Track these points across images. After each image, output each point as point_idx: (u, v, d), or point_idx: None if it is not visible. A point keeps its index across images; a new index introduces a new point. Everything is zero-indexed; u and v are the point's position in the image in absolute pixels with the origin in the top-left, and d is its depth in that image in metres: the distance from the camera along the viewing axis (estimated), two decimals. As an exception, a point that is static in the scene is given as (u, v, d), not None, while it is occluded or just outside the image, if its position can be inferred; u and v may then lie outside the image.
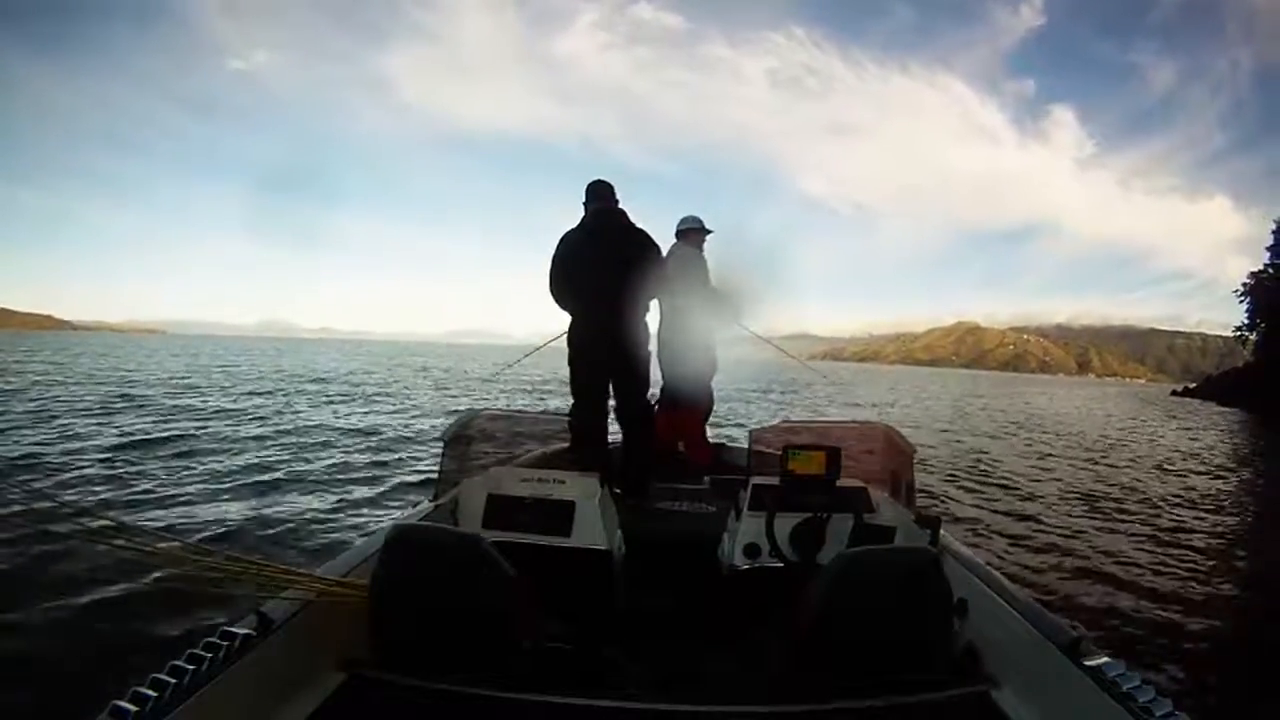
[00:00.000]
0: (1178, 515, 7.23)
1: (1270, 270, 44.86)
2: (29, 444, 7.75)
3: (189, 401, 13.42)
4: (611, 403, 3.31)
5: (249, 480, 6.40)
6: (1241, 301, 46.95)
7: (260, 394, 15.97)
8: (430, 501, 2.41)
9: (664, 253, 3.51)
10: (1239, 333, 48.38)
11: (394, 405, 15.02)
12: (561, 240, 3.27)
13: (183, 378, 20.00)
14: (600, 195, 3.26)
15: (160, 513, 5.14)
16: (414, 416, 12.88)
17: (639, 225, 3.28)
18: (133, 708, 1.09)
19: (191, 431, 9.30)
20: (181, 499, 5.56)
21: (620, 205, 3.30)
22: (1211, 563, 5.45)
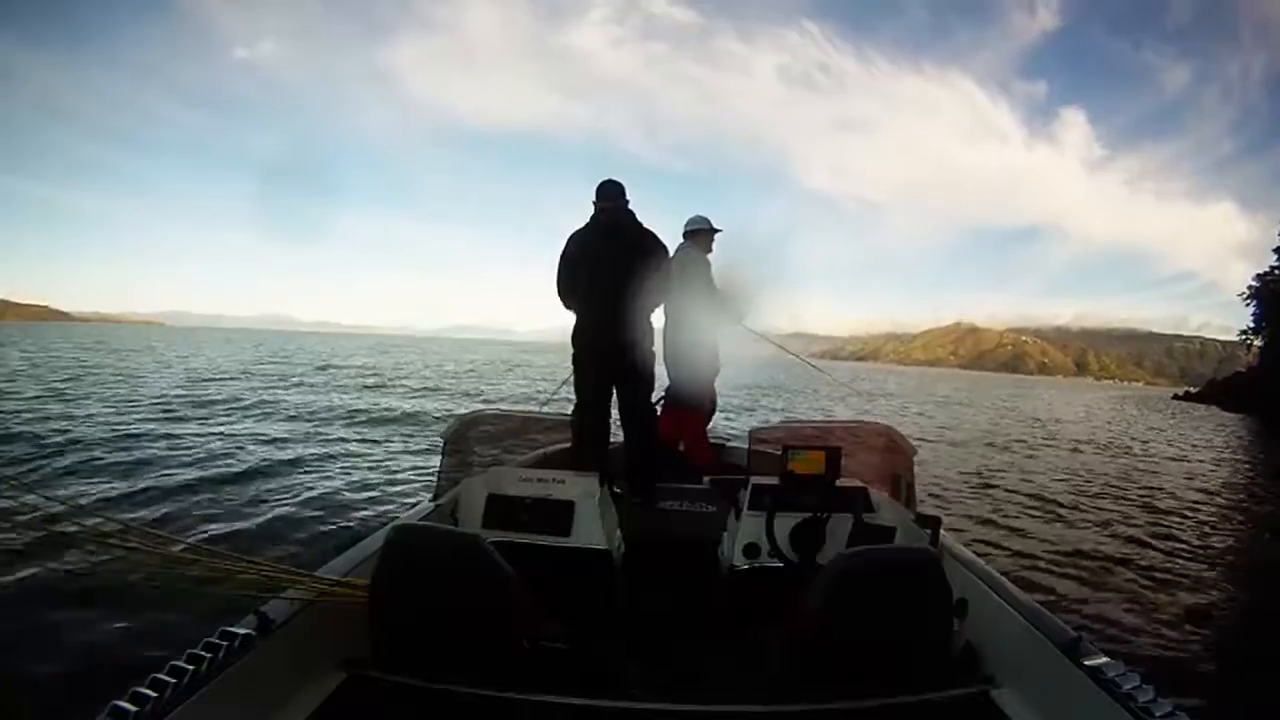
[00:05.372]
0: (1183, 522, 7.22)
1: (1278, 273, 44.67)
2: (28, 441, 7.75)
3: (187, 400, 13.41)
4: (614, 403, 3.30)
5: (249, 480, 6.40)
6: (1247, 304, 46.90)
7: (263, 391, 15.97)
8: (430, 501, 2.41)
9: (671, 253, 3.51)
10: (1244, 336, 48.23)
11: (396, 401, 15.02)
12: (570, 239, 3.27)
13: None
14: (610, 195, 3.25)
15: (160, 513, 5.14)
16: (414, 414, 12.88)
17: (648, 226, 3.28)
18: (133, 708, 1.09)
19: (191, 431, 9.30)
20: (181, 498, 5.57)
21: (630, 205, 3.30)
22: (1215, 566, 5.44)
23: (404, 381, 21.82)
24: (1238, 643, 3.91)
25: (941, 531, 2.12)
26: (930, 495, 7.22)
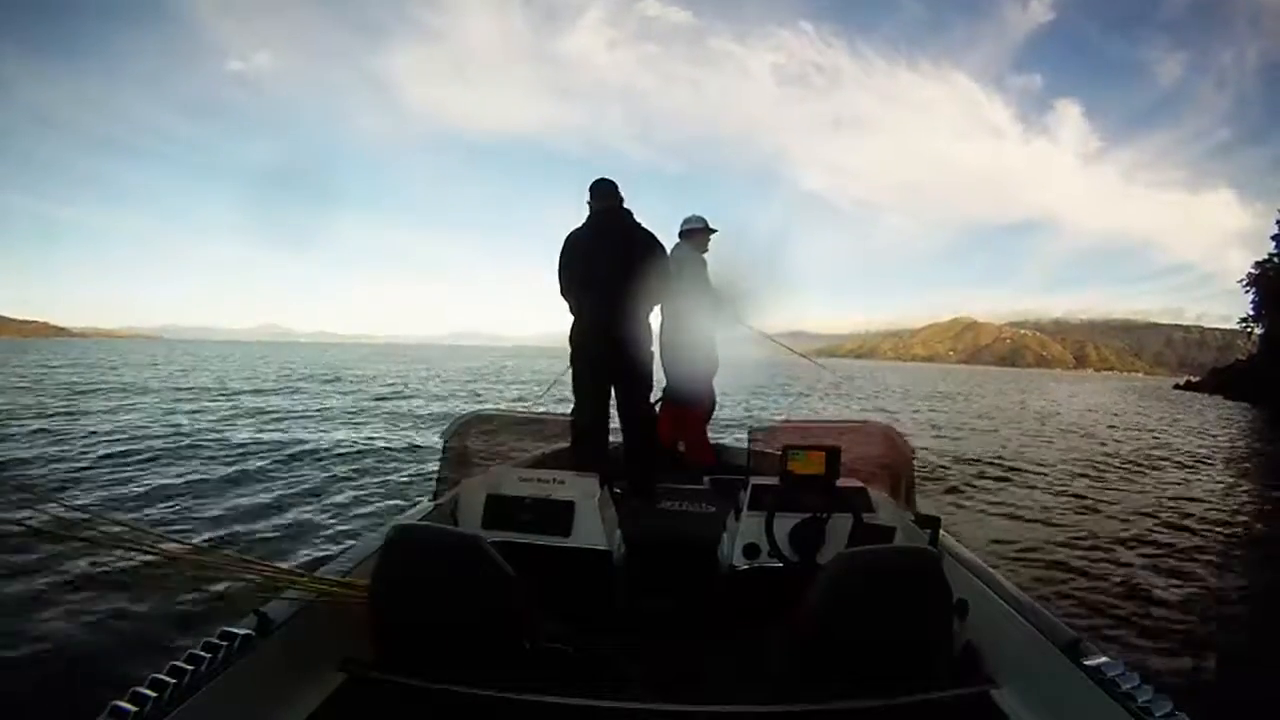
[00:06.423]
0: (1185, 517, 7.19)
1: (1276, 260, 44.25)
2: (32, 442, 7.76)
3: (189, 403, 13.43)
4: (613, 402, 3.30)
5: (249, 481, 6.41)
6: (1246, 292, 46.31)
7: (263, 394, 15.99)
8: (430, 501, 2.41)
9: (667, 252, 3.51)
10: (1244, 324, 47.72)
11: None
12: (567, 239, 3.27)
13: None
14: (605, 194, 3.24)
15: (161, 513, 5.14)
16: (416, 416, 12.88)
17: (644, 225, 3.27)
18: (133, 708, 1.09)
19: (193, 432, 9.31)
20: (182, 499, 5.57)
21: (625, 204, 3.29)
22: (1216, 566, 5.43)
23: (402, 388, 21.85)
24: (1240, 643, 3.90)
25: (941, 531, 2.12)
26: (932, 484, 7.23)
